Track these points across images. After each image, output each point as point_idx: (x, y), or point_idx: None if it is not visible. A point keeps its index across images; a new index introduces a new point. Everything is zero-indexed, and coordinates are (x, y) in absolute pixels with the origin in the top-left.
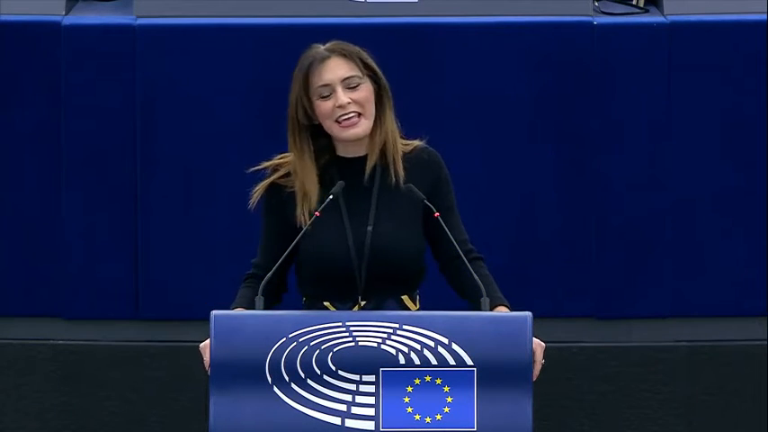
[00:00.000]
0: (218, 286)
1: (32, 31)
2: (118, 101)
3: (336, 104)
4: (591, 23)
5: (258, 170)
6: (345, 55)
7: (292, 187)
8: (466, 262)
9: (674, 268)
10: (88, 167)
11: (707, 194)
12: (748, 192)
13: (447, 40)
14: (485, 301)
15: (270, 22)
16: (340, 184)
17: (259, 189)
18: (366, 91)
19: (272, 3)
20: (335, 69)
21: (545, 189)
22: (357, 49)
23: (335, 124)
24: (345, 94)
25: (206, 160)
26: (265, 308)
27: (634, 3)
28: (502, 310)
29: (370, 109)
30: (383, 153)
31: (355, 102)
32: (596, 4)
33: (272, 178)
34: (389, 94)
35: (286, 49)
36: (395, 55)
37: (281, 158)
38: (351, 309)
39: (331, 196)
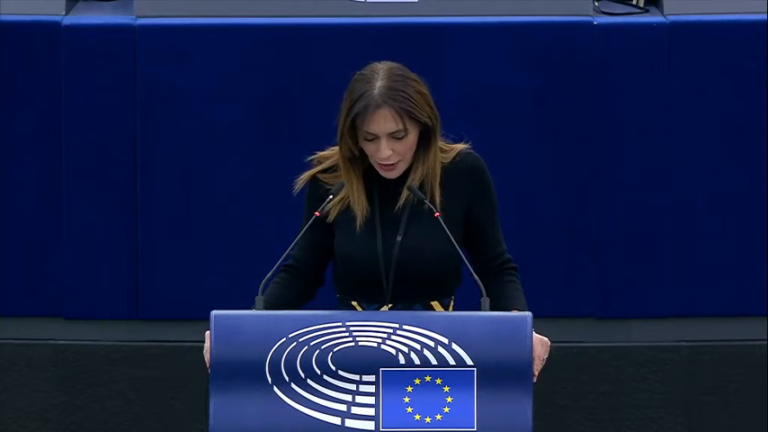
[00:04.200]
0: (219, 286)
1: (32, 31)
2: (118, 101)
3: (379, 156)
4: (591, 23)
5: (312, 159)
6: (396, 110)
7: (332, 184)
8: (474, 273)
9: (674, 268)
10: (88, 167)
11: (707, 194)
12: (748, 192)
13: (447, 40)
14: (485, 301)
15: (270, 22)
16: (340, 183)
17: (304, 178)
18: (409, 142)
19: (272, 3)
20: (383, 123)
21: (545, 189)
22: (412, 95)
23: (377, 163)
24: (389, 145)
25: (206, 160)
26: (299, 302)
27: (634, 3)
28: None
29: (410, 155)
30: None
31: (397, 152)
32: (596, 4)
33: (316, 170)
34: (438, 130)
35: (286, 49)
36: (395, 55)
37: (331, 150)
38: (378, 310)
39: (331, 196)
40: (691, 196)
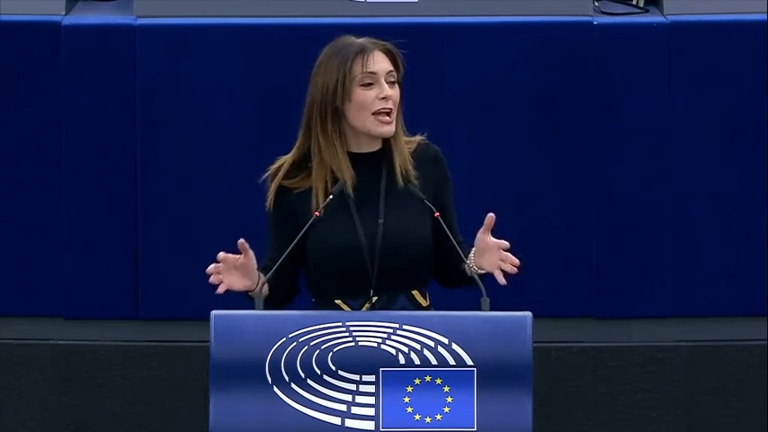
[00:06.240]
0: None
1: (32, 31)
2: (118, 101)
3: (381, 95)
4: (591, 23)
5: (268, 176)
6: (386, 52)
7: (298, 189)
8: (475, 275)
9: (674, 268)
10: (88, 168)
11: (707, 194)
12: (748, 191)
13: (447, 40)
14: (485, 301)
15: (270, 22)
16: (340, 183)
17: (272, 192)
18: (398, 93)
19: (272, 3)
20: (382, 62)
21: (545, 189)
22: (394, 47)
23: (371, 117)
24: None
25: (206, 160)
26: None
27: (634, 3)
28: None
29: (398, 113)
30: (393, 150)
31: (393, 99)
32: (596, 4)
33: (279, 180)
34: (401, 102)
35: (286, 50)
36: None
37: (280, 162)
38: (362, 305)
39: (331, 196)
40: (691, 196)
